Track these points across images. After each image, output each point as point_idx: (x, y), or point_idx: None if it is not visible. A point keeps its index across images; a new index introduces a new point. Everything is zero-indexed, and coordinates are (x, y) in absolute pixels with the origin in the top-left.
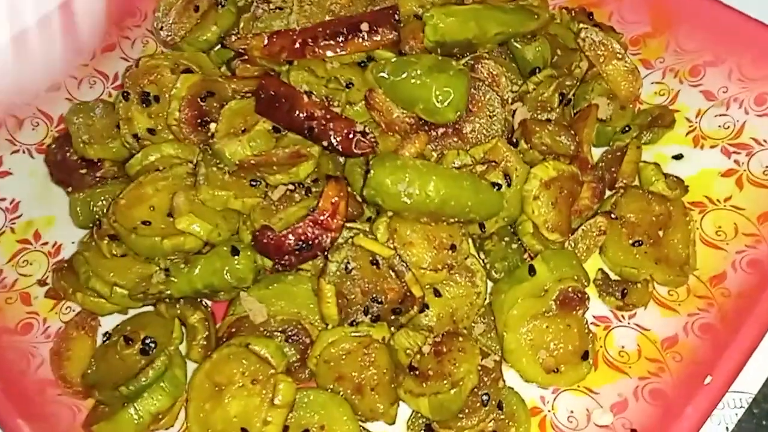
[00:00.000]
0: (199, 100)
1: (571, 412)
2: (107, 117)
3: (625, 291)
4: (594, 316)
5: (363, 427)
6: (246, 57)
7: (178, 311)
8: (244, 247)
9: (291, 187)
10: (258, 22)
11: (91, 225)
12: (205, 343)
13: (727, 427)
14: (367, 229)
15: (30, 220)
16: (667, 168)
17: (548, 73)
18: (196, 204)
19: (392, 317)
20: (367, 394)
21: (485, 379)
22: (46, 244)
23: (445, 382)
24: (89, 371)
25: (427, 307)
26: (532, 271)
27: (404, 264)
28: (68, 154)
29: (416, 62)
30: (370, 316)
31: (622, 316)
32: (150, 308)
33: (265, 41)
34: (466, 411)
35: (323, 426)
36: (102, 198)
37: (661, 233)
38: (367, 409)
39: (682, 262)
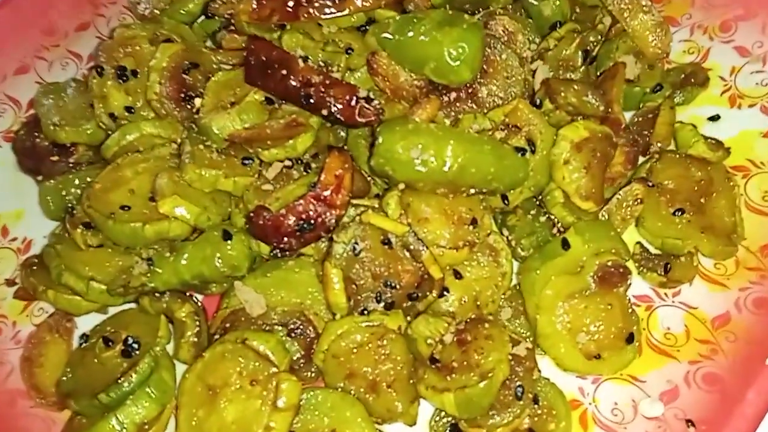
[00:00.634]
0: (181, 72)
1: (615, 403)
2: (80, 97)
3: (668, 266)
4: (634, 296)
5: (380, 431)
6: (233, 26)
7: (164, 306)
8: (237, 231)
9: (288, 163)
10: None
11: (63, 215)
12: (195, 340)
13: None
14: (377, 206)
15: None
16: (702, 131)
17: (570, 28)
18: (181, 185)
19: (408, 304)
20: (383, 392)
21: (517, 369)
22: (14, 240)
23: (472, 374)
24: (64, 378)
25: (448, 291)
26: (565, 245)
27: (420, 242)
28: (38, 139)
29: (423, 18)
30: (383, 303)
31: (666, 295)
32: (132, 305)
33: (254, 4)
34: (498, 406)
35: (334, 430)
36: (75, 185)
37: (703, 200)
38: (383, 409)
39: (729, 231)
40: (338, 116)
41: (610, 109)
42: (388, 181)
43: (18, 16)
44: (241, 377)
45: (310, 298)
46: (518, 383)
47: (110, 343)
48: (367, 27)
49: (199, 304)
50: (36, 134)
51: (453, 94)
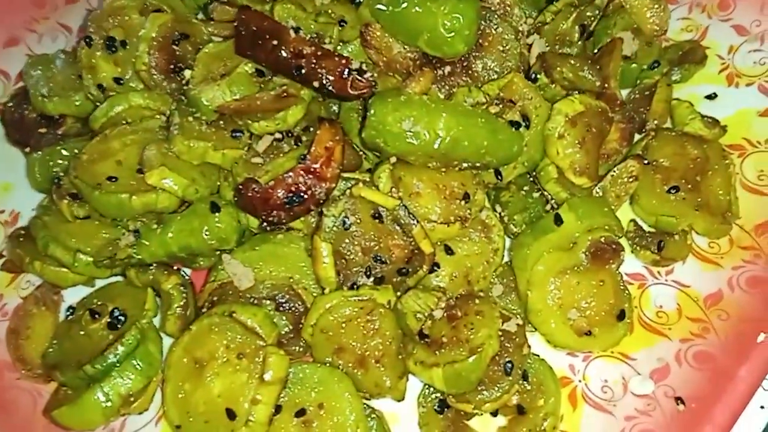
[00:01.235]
0: (171, 43)
1: (605, 381)
2: (69, 68)
3: (662, 244)
4: (626, 274)
5: (367, 405)
6: None
7: (151, 278)
8: (225, 204)
9: (278, 136)
10: None
11: (50, 187)
12: (182, 313)
13: None
14: (368, 179)
15: None
16: (699, 109)
17: (567, 2)
18: (169, 157)
19: (398, 279)
20: (372, 367)
21: (507, 345)
22: (2, 212)
23: (461, 349)
24: (50, 350)
25: (438, 267)
26: (558, 220)
27: (411, 216)
28: (26, 111)
29: None
30: (372, 277)
31: (659, 273)
32: (120, 278)
33: None
34: (486, 382)
35: (321, 404)
36: (63, 156)
37: (698, 179)
38: (371, 384)
39: (724, 209)
40: (330, 88)
41: (606, 85)
42: (380, 154)
43: None
44: (228, 350)
45: (299, 272)
46: (507, 359)
47: (96, 316)
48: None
49: (187, 278)
50: (24, 106)
51: (447, 68)
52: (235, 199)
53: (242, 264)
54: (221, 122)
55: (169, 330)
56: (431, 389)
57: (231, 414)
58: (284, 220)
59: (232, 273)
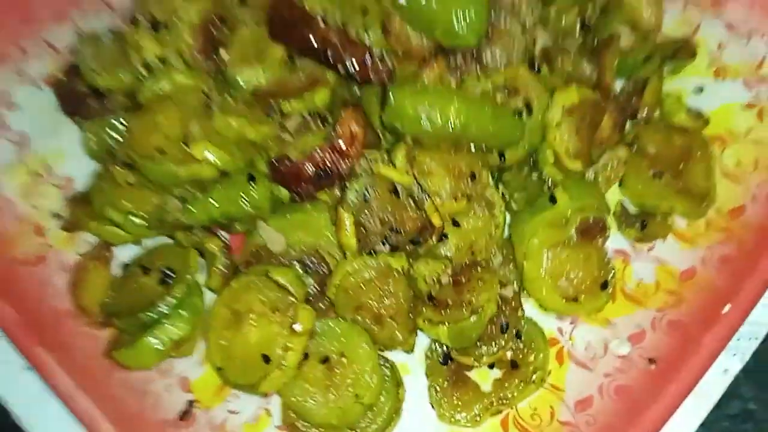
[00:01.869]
0: (210, 25)
1: (589, 342)
2: (116, 45)
3: (645, 223)
4: (613, 250)
5: (382, 356)
6: None
7: (197, 239)
8: (260, 176)
9: (307, 116)
10: None
11: (102, 155)
12: (224, 271)
13: (743, 359)
14: (386, 158)
15: (40, 153)
16: (687, 100)
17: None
18: (211, 133)
19: (411, 247)
20: (386, 323)
21: (504, 308)
22: (57, 177)
23: (464, 310)
24: (108, 301)
25: (446, 237)
26: (552, 200)
27: (423, 192)
28: (78, 85)
29: None
30: (388, 245)
31: (641, 249)
32: (166, 239)
33: None
34: (485, 338)
35: (343, 353)
36: (114, 127)
37: (681, 166)
38: (386, 338)
39: (703, 194)
40: (354, 73)
41: (602, 78)
42: (397, 136)
43: None
44: (263, 305)
45: (324, 239)
46: (504, 320)
47: (148, 271)
48: None
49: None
50: (76, 80)
51: (459, 57)
52: (270, 172)
53: (275, 230)
54: (255, 101)
55: (212, 285)
56: (437, 344)
57: (266, 359)
58: (312, 192)
59: (267, 238)
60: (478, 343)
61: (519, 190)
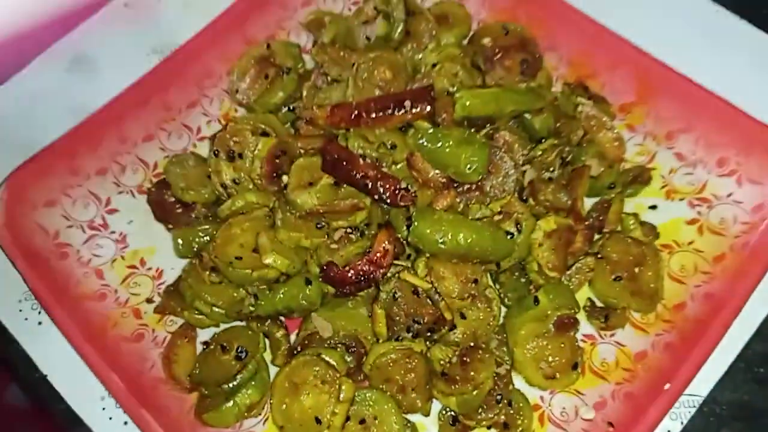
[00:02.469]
0: (274, 157)
1: (564, 408)
2: (198, 167)
3: (608, 316)
4: (583, 335)
5: (405, 418)
6: (309, 119)
7: (266, 328)
8: (313, 278)
9: (349, 229)
10: (319, 93)
11: (189, 256)
12: (286, 352)
13: (682, 422)
14: (410, 266)
15: (136, 249)
16: (644, 216)
17: (552, 142)
18: (276, 242)
19: (428, 334)
20: (409, 393)
21: (499, 383)
22: (150, 269)
23: (468, 385)
24: (195, 372)
25: (455, 327)
26: (536, 301)
27: (438, 294)
28: (166, 196)
29: (449, 134)
30: (411, 333)
31: (605, 335)
32: (236, 323)
33: (328, 112)
34: (484, 406)
35: (375, 416)
36: (197, 233)
37: (636, 270)
38: (408, 404)
39: (653, 293)
40: (386, 199)
41: (575, 204)
42: (419, 251)
43: (143, 97)
44: (316, 378)
45: (362, 327)
46: (499, 392)
47: (226, 350)
48: (407, 127)
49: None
50: (165, 192)
51: (466, 186)
52: (321, 276)
53: (324, 319)
54: (309, 217)
55: (277, 363)
56: (447, 409)
57: (317, 420)
58: (354, 292)
59: (318, 325)
60: (479, 410)
61: (511, 290)
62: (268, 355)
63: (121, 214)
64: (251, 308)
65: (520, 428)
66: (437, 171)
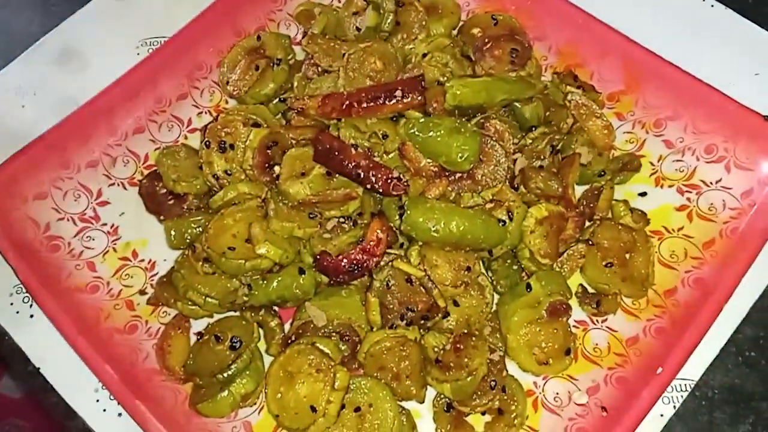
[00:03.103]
0: (266, 148)
1: (557, 393)
2: (190, 159)
3: (599, 302)
4: (575, 321)
5: (400, 405)
6: (300, 110)
7: (260, 317)
8: (307, 268)
9: (341, 219)
10: (310, 83)
11: (182, 247)
12: (280, 341)
13: (674, 406)
14: (403, 254)
15: (128, 241)
16: (633, 203)
17: (542, 130)
18: (268, 233)
19: (422, 322)
20: (403, 380)
21: (492, 369)
22: (142, 261)
23: (462, 371)
24: (189, 362)
25: (449, 315)
26: (528, 287)
27: (431, 282)
28: (158, 188)
29: (440, 123)
30: (405, 321)
31: (597, 321)
32: (230, 313)
33: (319, 102)
34: (478, 393)
35: (370, 404)
36: (189, 224)
37: (627, 256)
38: (402, 392)
39: (643, 279)
40: (378, 189)
41: (566, 192)
42: (411, 239)
43: (132, 90)
44: (310, 367)
45: (356, 316)
46: (493, 378)
47: (220, 340)
48: (398, 116)
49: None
50: (156, 184)
51: (458, 175)
52: (314, 265)
53: (318, 308)
54: (302, 207)
55: (271, 352)
56: (442, 396)
57: (313, 409)
58: (347, 281)
59: (312, 314)
60: (473, 396)
61: (503, 277)
62: (262, 345)
63: (113, 207)
64: (245, 298)
65: (514, 413)
66: (429, 160)
